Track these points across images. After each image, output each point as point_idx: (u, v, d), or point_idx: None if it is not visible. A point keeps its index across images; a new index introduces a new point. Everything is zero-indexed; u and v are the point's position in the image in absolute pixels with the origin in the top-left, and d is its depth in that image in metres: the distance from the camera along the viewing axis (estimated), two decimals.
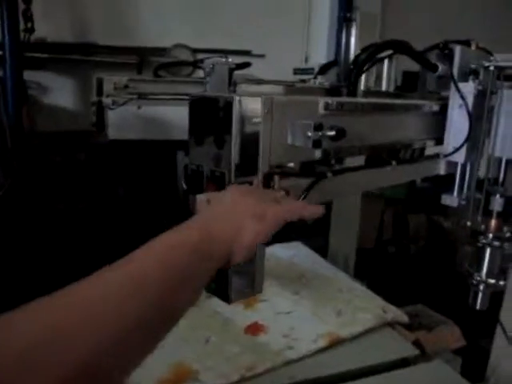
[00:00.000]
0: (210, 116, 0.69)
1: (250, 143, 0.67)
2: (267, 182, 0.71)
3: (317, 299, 1.63)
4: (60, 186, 2.41)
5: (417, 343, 1.48)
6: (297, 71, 2.23)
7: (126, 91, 1.69)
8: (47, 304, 0.48)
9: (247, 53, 3.51)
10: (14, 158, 2.33)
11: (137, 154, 3.18)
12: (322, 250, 2.17)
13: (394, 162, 0.96)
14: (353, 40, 1.90)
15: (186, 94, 1.92)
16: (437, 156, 1.13)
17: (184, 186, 0.75)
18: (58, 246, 2.25)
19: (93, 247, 2.32)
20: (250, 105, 0.66)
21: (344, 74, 1.94)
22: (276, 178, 0.71)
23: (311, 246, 2.12)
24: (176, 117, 3.38)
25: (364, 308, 1.57)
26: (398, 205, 3.38)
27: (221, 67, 1.69)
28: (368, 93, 1.16)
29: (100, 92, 1.69)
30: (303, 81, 2.12)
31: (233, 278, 0.67)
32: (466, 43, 1.10)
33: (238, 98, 0.65)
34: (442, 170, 1.15)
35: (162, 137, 3.43)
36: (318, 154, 0.77)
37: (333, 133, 0.71)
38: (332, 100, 0.78)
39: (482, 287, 1.13)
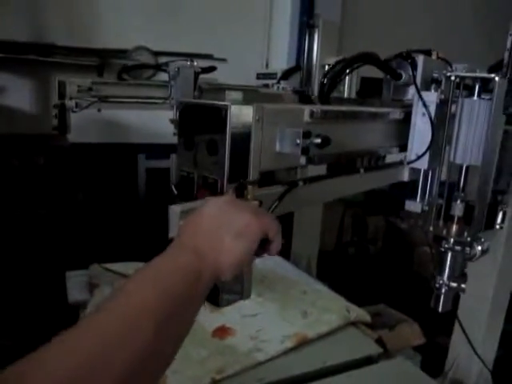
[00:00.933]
0: (203, 123, 0.70)
1: (241, 150, 0.69)
2: (241, 192, 0.71)
3: (282, 301, 1.65)
4: (18, 191, 2.34)
5: (379, 341, 1.53)
6: (260, 76, 2.25)
7: (89, 94, 1.66)
8: (48, 355, 0.49)
9: (209, 56, 3.50)
10: None
11: (97, 157, 3.13)
12: (284, 253, 2.19)
13: (362, 170, 0.98)
14: (315, 46, 1.93)
15: (150, 98, 1.91)
16: (400, 163, 1.14)
17: (174, 191, 0.75)
18: (15, 253, 2.18)
19: (50, 254, 2.27)
20: (242, 112, 0.67)
21: (306, 79, 1.98)
22: (250, 187, 0.71)
23: None
24: (137, 120, 3.35)
25: (328, 309, 1.60)
26: (357, 208, 3.45)
27: (186, 71, 1.69)
28: (334, 100, 1.19)
29: (61, 95, 1.65)
30: (266, 85, 2.15)
31: (223, 284, 0.69)
32: (427, 53, 1.13)
33: (232, 105, 0.66)
34: (405, 176, 1.16)
35: (123, 140, 3.38)
36: (303, 160, 0.79)
37: (319, 140, 0.74)
38: (317, 108, 0.81)
39: (444, 290, 1.16)
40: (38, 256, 2.20)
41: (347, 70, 1.01)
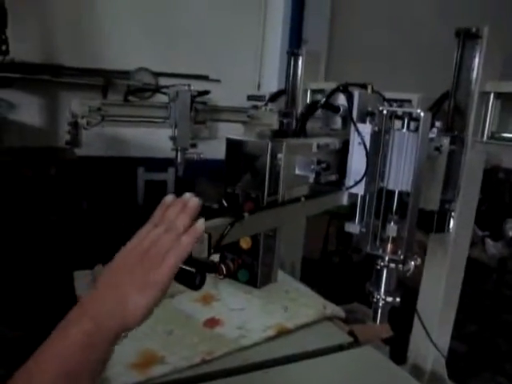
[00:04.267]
0: (247, 154, 0.96)
1: (274, 173, 0.96)
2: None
3: (266, 298, 1.85)
4: (31, 199, 2.54)
5: (351, 333, 1.73)
6: (250, 97, 2.47)
7: (98, 113, 1.88)
8: None
9: (205, 77, 3.74)
10: None
11: (101, 169, 3.34)
12: None
13: (302, 198, 1.04)
14: (299, 73, 2.17)
15: (151, 117, 2.13)
16: (340, 189, 1.21)
17: (225, 204, 0.97)
18: (28, 255, 2.38)
19: (60, 255, 2.46)
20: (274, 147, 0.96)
21: (291, 102, 2.21)
22: (200, 219, 0.79)
23: None
24: (137, 136, 3.57)
25: (307, 305, 1.81)
26: (342, 219, 3.64)
27: (184, 94, 1.91)
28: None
29: (74, 113, 1.87)
30: (255, 106, 2.37)
31: (259, 271, 0.93)
32: (363, 86, 1.21)
33: (270, 142, 0.94)
34: (345, 200, 1.23)
35: (124, 154, 3.61)
36: (311, 179, 1.04)
37: (324, 165, 1.01)
38: (321, 141, 1.09)
39: (381, 304, 1.29)
40: (48, 257, 2.40)
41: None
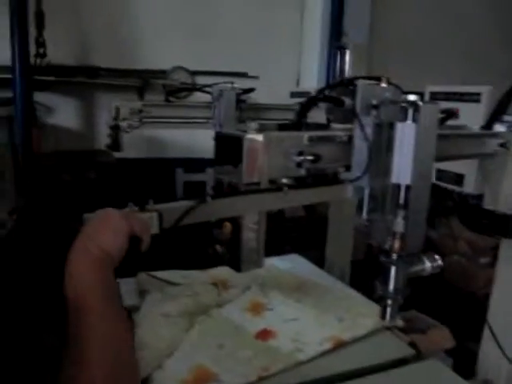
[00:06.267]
0: (228, 146, 1.02)
1: (253, 163, 0.99)
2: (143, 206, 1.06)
3: (319, 307, 1.75)
4: (71, 203, 2.50)
5: (412, 344, 1.62)
6: (294, 94, 2.37)
7: (139, 115, 1.82)
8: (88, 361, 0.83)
9: (243, 74, 3.65)
10: (27, 178, 2.41)
11: (139, 171, 3.30)
12: (317, 262, 2.29)
13: (285, 188, 1.11)
14: (347, 66, 2.06)
15: (194, 118, 2.05)
16: (345, 181, 1.20)
17: (212, 192, 1.09)
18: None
19: None
20: (253, 139, 0.98)
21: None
22: (150, 201, 1.06)
23: (308, 259, 2.25)
24: (175, 137, 3.52)
25: (363, 314, 1.70)
26: None
27: (228, 93, 1.83)
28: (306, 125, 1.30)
29: (115, 116, 1.81)
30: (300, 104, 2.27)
31: (242, 254, 0.95)
32: (377, 79, 1.15)
33: (246, 135, 0.98)
34: (350, 193, 1.21)
35: (163, 155, 3.56)
36: (302, 171, 1.04)
37: (312, 157, 1.01)
38: (313, 134, 1.07)
39: (389, 302, 1.20)
40: None
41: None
